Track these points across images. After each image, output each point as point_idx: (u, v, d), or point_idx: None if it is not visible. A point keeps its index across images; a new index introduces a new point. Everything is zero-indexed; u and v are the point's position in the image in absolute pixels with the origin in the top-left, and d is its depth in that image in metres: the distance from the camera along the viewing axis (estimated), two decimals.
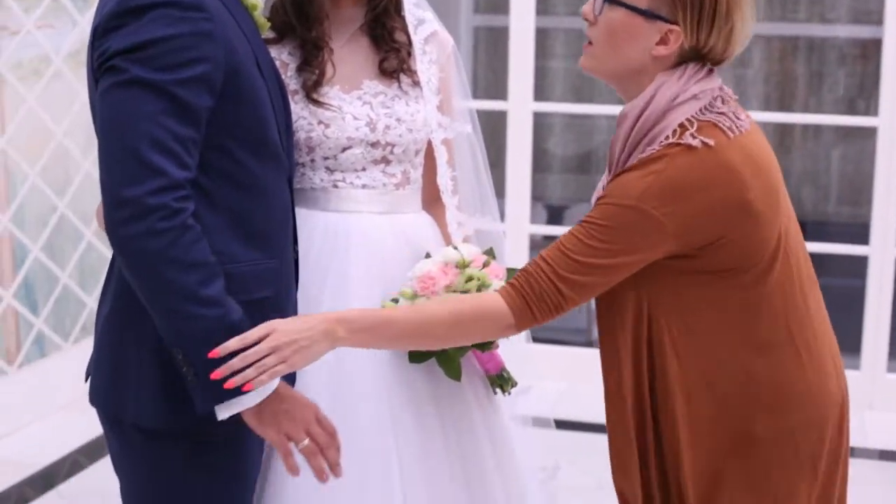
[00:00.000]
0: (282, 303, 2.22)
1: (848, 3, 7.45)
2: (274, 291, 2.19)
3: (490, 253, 2.46)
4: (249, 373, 1.93)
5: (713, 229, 2.02)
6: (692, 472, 2.10)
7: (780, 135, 7.68)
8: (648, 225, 2.00)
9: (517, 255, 4.92)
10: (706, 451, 2.10)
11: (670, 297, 2.08)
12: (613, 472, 2.19)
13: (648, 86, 2.09)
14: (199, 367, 1.99)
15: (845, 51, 7.60)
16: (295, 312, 2.27)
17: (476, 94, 7.88)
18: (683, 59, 2.10)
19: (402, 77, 2.50)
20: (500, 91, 4.98)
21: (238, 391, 1.97)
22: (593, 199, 2.16)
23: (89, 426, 4.54)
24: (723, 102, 2.10)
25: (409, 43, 2.51)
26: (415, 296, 2.35)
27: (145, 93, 1.98)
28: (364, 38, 2.51)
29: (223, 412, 2.04)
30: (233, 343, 1.94)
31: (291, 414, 2.06)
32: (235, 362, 1.93)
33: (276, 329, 1.97)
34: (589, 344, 5.80)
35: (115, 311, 2.19)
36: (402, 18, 2.51)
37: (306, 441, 2.05)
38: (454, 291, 2.33)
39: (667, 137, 2.04)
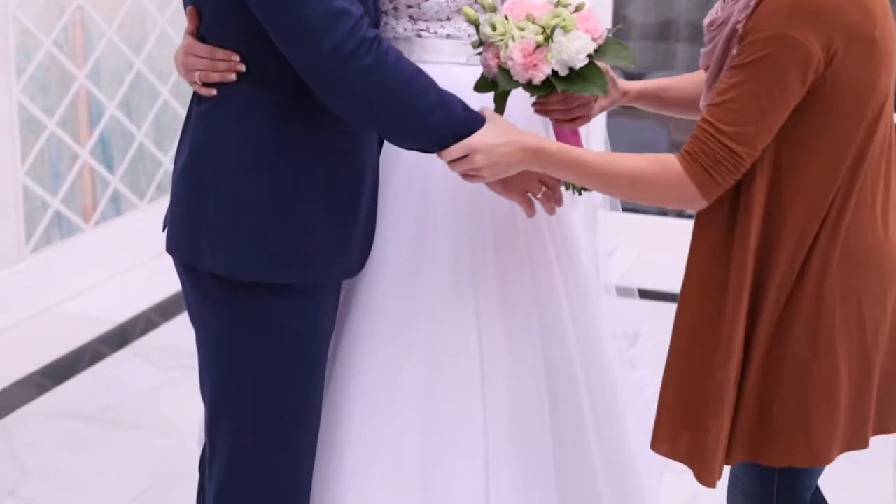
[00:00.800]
0: (365, 152, 2.26)
1: None
2: (357, 145, 2.22)
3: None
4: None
5: (842, 58, 1.98)
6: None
7: None
8: (798, 53, 1.95)
9: (593, 123, 4.83)
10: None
11: (787, 143, 2.05)
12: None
13: None
14: (434, 147, 2.13)
15: None
16: (377, 156, 2.32)
17: None
18: None
19: None
20: None
21: None
22: (705, 23, 2.13)
23: (164, 284, 4.60)
24: None
25: None
26: (494, 8, 2.22)
27: None
28: None
29: None
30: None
31: (525, 175, 2.20)
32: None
33: (478, 150, 2.10)
34: (665, 213, 5.74)
35: (193, 159, 2.18)
36: None
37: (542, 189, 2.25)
38: (532, 23, 2.17)
39: None
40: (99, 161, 4.69)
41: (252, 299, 2.18)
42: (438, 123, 2.11)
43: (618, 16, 7.51)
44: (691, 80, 2.40)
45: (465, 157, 2.10)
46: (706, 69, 2.13)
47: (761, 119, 1.99)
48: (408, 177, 2.37)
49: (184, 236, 2.22)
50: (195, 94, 2.24)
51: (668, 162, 2.05)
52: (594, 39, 2.14)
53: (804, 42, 1.95)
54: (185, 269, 2.26)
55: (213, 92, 2.17)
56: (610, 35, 2.19)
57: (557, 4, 2.17)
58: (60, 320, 4.40)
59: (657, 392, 2.14)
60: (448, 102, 2.12)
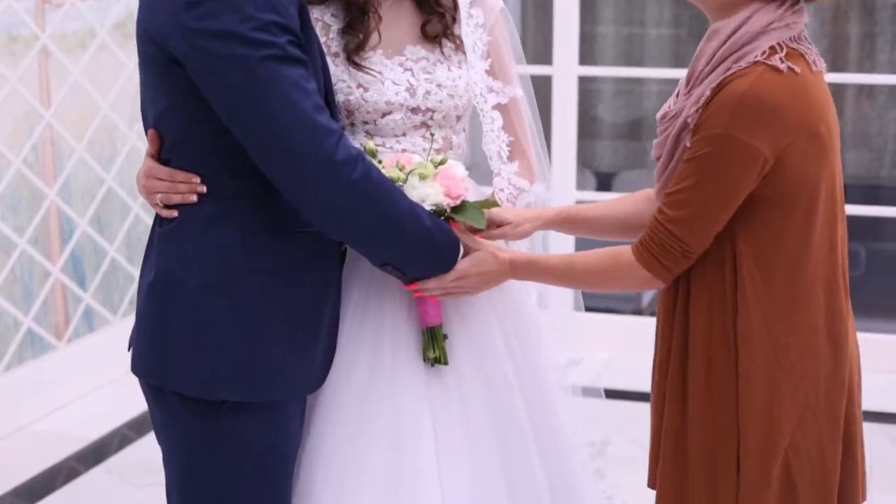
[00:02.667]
0: (328, 266, 2.31)
1: None
2: (319, 258, 2.27)
3: (489, 204, 2.40)
4: (436, 292, 2.32)
5: (789, 152, 2.08)
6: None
7: (833, 96, 7.57)
8: (743, 153, 2.06)
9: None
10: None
11: (745, 228, 2.14)
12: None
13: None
14: (411, 269, 2.26)
15: None
16: (339, 269, 2.36)
17: (525, 60, 7.83)
18: None
19: (445, 42, 2.46)
20: (549, 56, 4.92)
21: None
22: (658, 116, 2.23)
23: (138, 400, 4.52)
24: (807, 40, 2.18)
25: (455, 7, 2.48)
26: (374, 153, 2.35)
27: (278, 63, 2.04)
28: (408, 2, 2.47)
29: None
30: (431, 283, 2.29)
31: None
32: (431, 285, 2.29)
33: (467, 276, 2.30)
34: (638, 312, 5.75)
35: (158, 282, 2.20)
36: None
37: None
38: (398, 170, 2.32)
39: (755, 57, 2.08)
40: (71, 278, 4.70)
41: (218, 417, 2.19)
42: (412, 235, 2.19)
43: (587, 115, 7.59)
44: (616, 206, 2.52)
45: (455, 281, 2.29)
46: (657, 159, 2.21)
47: (707, 211, 2.09)
48: (366, 286, 2.39)
49: (149, 357, 2.24)
50: (157, 216, 2.26)
51: (624, 254, 2.19)
52: (452, 197, 2.28)
53: (748, 142, 2.05)
54: (151, 388, 2.26)
55: (175, 213, 2.20)
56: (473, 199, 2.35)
57: (430, 161, 2.32)
58: (34, 439, 4.36)
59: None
60: (420, 217, 2.20)
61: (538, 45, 7.73)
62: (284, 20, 2.05)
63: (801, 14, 2.16)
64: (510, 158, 2.53)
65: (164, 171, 2.22)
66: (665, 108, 2.25)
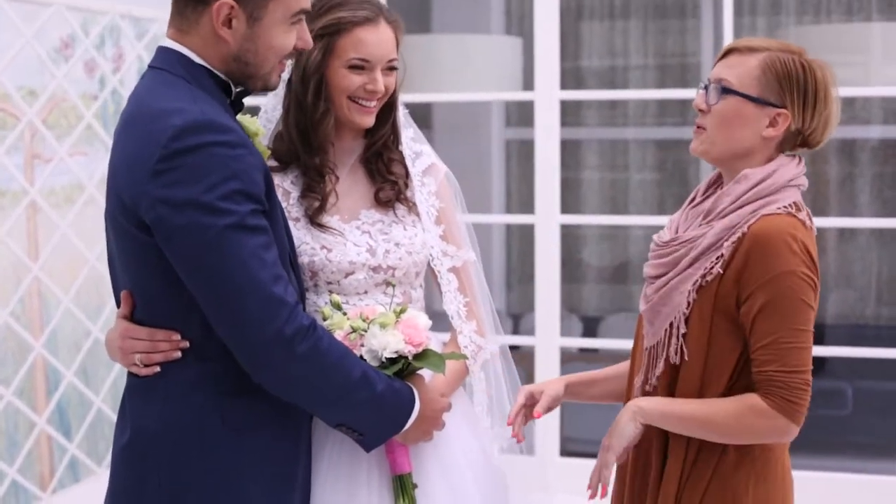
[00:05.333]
0: (300, 423, 2.36)
1: (880, 102, 7.46)
2: (292, 416, 2.33)
3: (456, 357, 2.50)
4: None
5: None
6: None
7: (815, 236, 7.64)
8: (808, 283, 2.35)
9: (547, 369, 4.90)
10: None
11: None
12: None
13: (756, 164, 2.42)
14: (365, 430, 2.30)
15: (878, 151, 7.60)
16: (310, 425, 2.42)
17: (509, 208, 7.92)
18: (786, 140, 2.44)
19: (398, 205, 2.56)
20: (531, 205, 5.00)
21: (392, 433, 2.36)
22: (663, 240, 2.48)
23: None
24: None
25: (406, 174, 2.58)
26: (339, 305, 2.45)
27: (239, 233, 2.10)
28: (361, 170, 2.57)
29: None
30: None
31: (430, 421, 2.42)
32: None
33: (611, 445, 2.41)
34: None
35: (134, 444, 2.23)
36: (400, 151, 2.59)
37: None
38: (362, 320, 2.40)
39: (782, 207, 2.37)
40: (56, 428, 4.70)
41: None
42: (363, 400, 2.21)
43: (572, 259, 7.66)
44: (615, 374, 2.73)
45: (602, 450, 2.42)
46: (655, 278, 2.35)
47: (806, 338, 2.35)
48: (340, 439, 2.42)
49: None
50: (130, 374, 2.29)
51: (756, 405, 2.35)
52: (413, 345, 2.35)
53: (810, 275, 2.34)
54: None
55: (157, 369, 2.23)
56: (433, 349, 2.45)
57: (392, 311, 2.40)
58: None
59: None
60: (371, 381, 2.24)
61: (521, 194, 7.84)
62: (248, 188, 2.12)
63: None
64: (468, 317, 2.61)
65: (142, 330, 2.26)
66: (666, 235, 2.49)
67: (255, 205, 2.14)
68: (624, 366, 2.67)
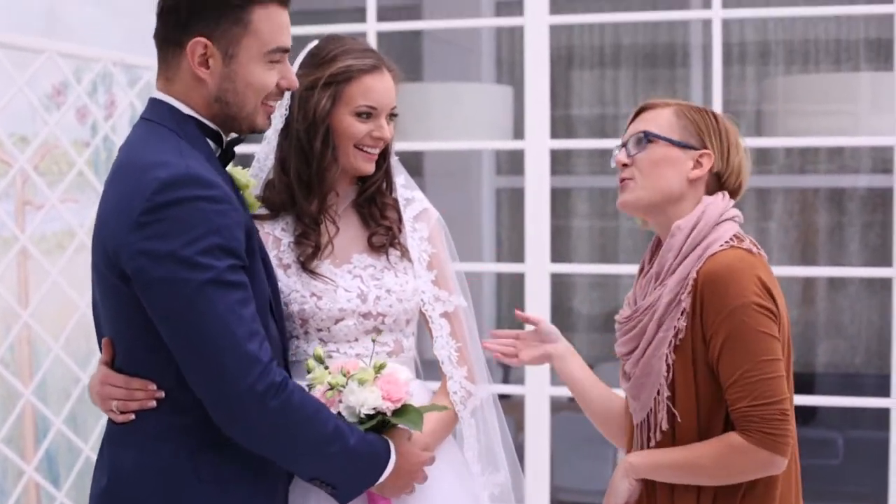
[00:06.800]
0: (277, 474, 2.36)
1: (869, 152, 7.50)
2: (269, 468, 2.32)
3: (436, 408, 2.50)
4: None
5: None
6: None
7: (804, 286, 7.66)
8: (765, 312, 2.35)
9: (538, 418, 4.88)
10: None
11: None
12: None
13: (686, 211, 2.48)
14: (338, 483, 2.29)
15: (867, 200, 7.63)
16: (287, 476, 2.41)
17: (500, 257, 7.93)
18: (709, 184, 2.52)
19: (391, 250, 2.56)
20: (522, 254, 5.01)
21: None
22: (623, 317, 2.52)
23: None
24: None
25: (399, 219, 2.59)
26: (321, 359, 2.45)
27: (217, 289, 2.11)
28: (353, 215, 2.58)
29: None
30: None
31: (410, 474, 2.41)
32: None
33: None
34: None
35: (111, 492, 2.23)
36: (394, 197, 2.60)
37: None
38: (342, 375, 2.40)
39: (725, 243, 2.41)
40: (45, 476, 4.68)
41: None
42: (336, 454, 2.21)
43: (562, 308, 7.66)
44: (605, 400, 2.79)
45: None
46: (627, 355, 2.36)
47: (775, 367, 2.35)
48: (322, 496, 2.42)
49: None
50: (109, 421, 2.30)
51: (734, 443, 2.35)
52: (392, 401, 2.35)
53: (766, 304, 2.35)
54: None
55: (132, 416, 2.25)
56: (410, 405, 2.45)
57: (372, 367, 2.41)
58: None
59: None
60: (343, 434, 2.25)
61: (511, 242, 7.86)
62: (228, 243, 2.13)
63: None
64: (459, 363, 2.61)
65: (119, 378, 2.28)
66: (627, 310, 2.52)
67: (235, 260, 2.15)
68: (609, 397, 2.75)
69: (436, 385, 2.66)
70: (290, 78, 2.36)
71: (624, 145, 2.55)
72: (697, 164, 2.50)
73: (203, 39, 2.24)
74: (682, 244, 2.43)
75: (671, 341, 2.40)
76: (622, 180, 2.53)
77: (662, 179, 2.49)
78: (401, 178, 2.70)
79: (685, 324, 2.39)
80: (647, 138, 2.50)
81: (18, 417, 4.56)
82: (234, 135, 2.38)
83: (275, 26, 2.29)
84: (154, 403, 2.23)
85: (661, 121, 2.52)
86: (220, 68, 2.26)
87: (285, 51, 2.35)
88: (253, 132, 2.40)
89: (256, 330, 2.16)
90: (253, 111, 2.31)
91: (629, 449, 2.55)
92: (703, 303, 2.36)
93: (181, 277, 2.09)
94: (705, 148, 2.51)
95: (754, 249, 2.43)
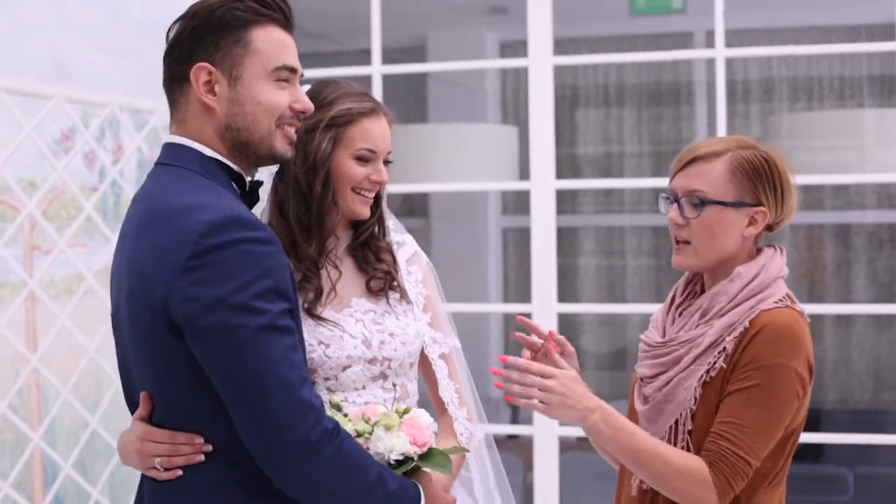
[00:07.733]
0: None
1: (874, 187, 7.51)
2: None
3: (458, 450, 2.52)
4: (515, 389, 2.37)
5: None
6: None
7: (812, 322, 7.65)
8: (793, 378, 2.37)
9: (546, 458, 4.87)
10: None
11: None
12: None
13: (740, 262, 2.48)
14: None
15: (873, 236, 7.63)
16: None
17: (506, 297, 7.92)
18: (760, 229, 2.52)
19: (391, 293, 2.58)
20: (528, 293, 5.01)
21: None
22: (658, 341, 2.51)
23: None
24: None
25: (395, 261, 2.61)
26: (339, 406, 2.43)
27: (271, 334, 2.07)
28: (350, 259, 2.60)
29: None
30: (521, 361, 2.36)
31: None
32: (515, 375, 2.37)
33: (560, 377, 2.35)
34: None
35: None
36: (388, 241, 2.62)
37: None
38: (364, 422, 2.39)
39: (779, 300, 2.43)
40: None
41: None
42: (379, 499, 2.20)
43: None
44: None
45: (547, 376, 2.36)
46: (652, 378, 2.39)
47: (771, 431, 2.37)
48: None
49: None
50: (148, 478, 2.25)
51: (703, 469, 2.35)
52: (418, 445, 2.34)
53: (798, 371, 2.37)
54: None
55: (179, 473, 2.19)
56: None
57: (395, 411, 2.39)
58: None
59: None
60: (385, 481, 2.22)
61: (518, 282, 7.86)
62: (279, 285, 2.09)
63: None
64: (460, 404, 2.63)
65: (162, 433, 2.21)
66: (655, 335, 2.55)
67: (286, 303, 2.10)
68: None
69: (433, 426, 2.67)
70: (303, 101, 2.31)
71: (676, 200, 2.51)
72: (752, 220, 2.49)
73: (206, 64, 2.21)
74: (738, 291, 2.44)
75: (703, 376, 2.42)
76: (677, 241, 2.52)
77: (719, 244, 2.47)
78: (390, 223, 2.72)
79: (722, 365, 2.41)
80: (701, 202, 2.46)
81: (27, 462, 4.55)
82: (258, 178, 2.36)
83: (277, 45, 2.25)
84: (202, 457, 2.17)
85: (713, 179, 2.45)
86: (226, 92, 2.23)
87: (293, 71, 2.30)
88: (275, 161, 2.33)
89: (307, 377, 2.12)
90: (267, 134, 2.25)
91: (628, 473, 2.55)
92: (746, 348, 2.39)
93: (236, 323, 2.04)
94: (760, 205, 2.48)
95: (804, 314, 2.47)
